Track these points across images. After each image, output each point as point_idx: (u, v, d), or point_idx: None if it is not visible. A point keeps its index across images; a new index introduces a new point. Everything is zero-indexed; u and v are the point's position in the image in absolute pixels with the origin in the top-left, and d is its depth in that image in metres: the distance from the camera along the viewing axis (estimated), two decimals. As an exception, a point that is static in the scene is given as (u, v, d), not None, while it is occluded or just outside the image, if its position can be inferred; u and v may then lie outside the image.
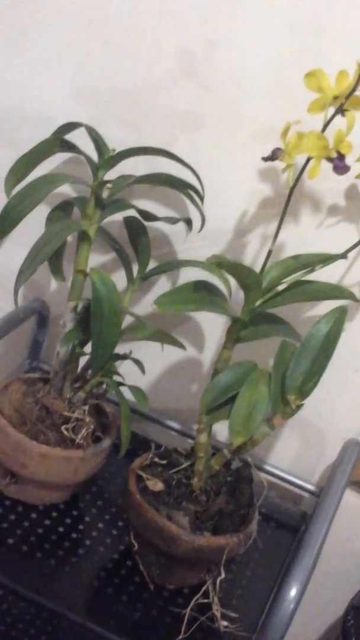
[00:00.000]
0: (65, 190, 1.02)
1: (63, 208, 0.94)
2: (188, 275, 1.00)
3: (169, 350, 0.94)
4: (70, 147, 0.89)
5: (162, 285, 1.03)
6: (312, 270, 0.85)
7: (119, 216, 0.93)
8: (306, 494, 1.05)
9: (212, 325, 1.03)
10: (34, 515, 0.93)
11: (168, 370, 1.08)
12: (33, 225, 0.87)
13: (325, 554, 0.82)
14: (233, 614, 0.85)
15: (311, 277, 0.85)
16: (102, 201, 0.87)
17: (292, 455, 1.06)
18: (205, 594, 0.85)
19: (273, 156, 0.80)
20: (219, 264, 0.81)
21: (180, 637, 0.83)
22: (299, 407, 0.82)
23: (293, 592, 0.76)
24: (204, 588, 0.86)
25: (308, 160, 0.78)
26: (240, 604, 0.89)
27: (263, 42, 0.88)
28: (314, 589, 0.93)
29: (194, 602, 0.84)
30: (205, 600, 0.85)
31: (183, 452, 0.92)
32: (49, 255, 0.81)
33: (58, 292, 1.09)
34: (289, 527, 1.03)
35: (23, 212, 0.82)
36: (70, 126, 0.92)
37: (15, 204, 0.82)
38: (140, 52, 0.93)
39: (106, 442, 0.93)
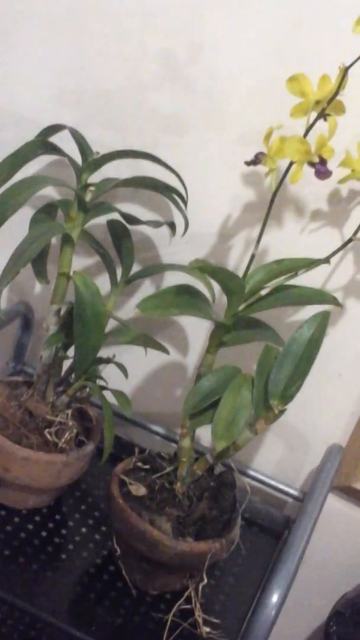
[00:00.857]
0: (49, 192, 1.01)
1: (47, 210, 0.94)
2: (172, 279, 1.00)
3: (152, 355, 0.94)
4: (55, 150, 0.89)
5: (146, 289, 1.03)
6: (295, 275, 0.85)
7: (102, 219, 0.93)
8: (289, 499, 1.05)
9: (196, 330, 1.02)
10: (16, 520, 0.92)
11: (152, 374, 1.07)
12: (16, 227, 0.86)
13: (308, 559, 0.83)
14: (215, 620, 0.85)
15: (294, 281, 0.85)
16: (86, 204, 0.87)
17: (276, 460, 1.05)
18: (188, 600, 0.85)
19: (256, 160, 0.80)
20: (201, 268, 0.81)
21: (162, 643, 0.82)
22: (281, 412, 0.82)
23: (275, 597, 0.76)
24: (186, 594, 0.85)
25: (290, 164, 0.78)
26: (223, 609, 0.89)
27: (246, 46, 0.88)
28: (297, 594, 0.93)
29: (177, 608, 0.84)
30: (188, 606, 0.85)
31: (166, 456, 0.92)
32: (32, 257, 0.81)
33: (42, 295, 1.09)
34: (273, 532, 1.03)
35: (6, 214, 0.81)
36: (55, 128, 0.92)
37: (-1, 205, 0.81)
38: (124, 54, 0.93)
39: (89, 447, 0.92)
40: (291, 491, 1.04)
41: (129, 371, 0.92)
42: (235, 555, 0.90)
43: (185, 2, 0.88)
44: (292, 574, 0.78)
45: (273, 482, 1.04)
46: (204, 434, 1.03)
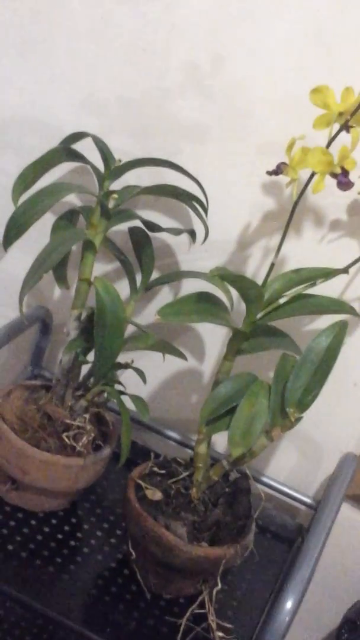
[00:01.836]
0: (71, 199, 1.02)
1: (68, 217, 0.95)
2: (190, 285, 1.01)
3: (169, 360, 0.95)
4: (78, 157, 0.90)
5: (165, 295, 1.04)
6: (314, 284, 0.86)
7: (123, 226, 0.94)
8: (303, 507, 1.06)
9: (213, 337, 1.03)
10: (33, 522, 0.93)
11: (168, 380, 1.08)
12: (38, 233, 0.87)
13: (320, 567, 0.83)
14: (229, 625, 0.86)
15: (312, 290, 0.86)
16: (108, 211, 0.88)
17: (290, 468, 1.06)
18: (201, 605, 0.86)
19: (278, 170, 0.81)
20: (222, 276, 0.82)
21: (176, 646, 0.83)
22: (298, 419, 0.83)
23: (289, 604, 0.76)
24: (200, 598, 0.86)
25: (312, 175, 0.79)
26: (236, 615, 0.90)
27: (269, 58, 0.89)
28: (309, 601, 0.94)
29: (190, 612, 0.85)
30: (201, 611, 0.85)
31: (182, 462, 0.93)
32: (55, 263, 0.82)
33: (61, 300, 1.10)
34: (285, 539, 1.03)
35: (30, 220, 0.82)
36: (78, 136, 0.93)
37: (23, 212, 0.82)
38: (148, 64, 0.94)
39: (106, 451, 0.93)
40: (304, 499, 1.04)
41: (146, 376, 0.93)
42: (248, 561, 0.91)
43: (210, 14, 0.89)
44: (307, 581, 0.78)
45: (286, 490, 1.05)
46: (219, 440, 1.04)
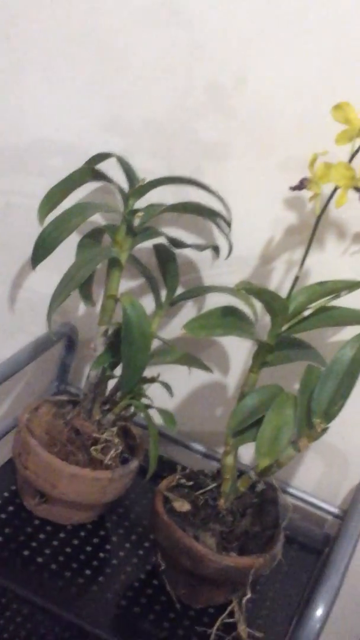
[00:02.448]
0: (94, 217, 1.04)
1: (93, 235, 0.97)
2: (213, 300, 1.02)
3: (194, 374, 0.96)
4: (102, 177, 0.92)
5: (189, 310, 1.05)
6: (338, 296, 0.87)
7: (148, 243, 0.96)
8: (329, 517, 1.06)
9: (238, 350, 1.05)
10: (62, 535, 0.95)
11: (194, 393, 1.10)
12: (63, 252, 0.89)
13: (348, 575, 0.84)
14: (258, 634, 0.87)
15: (336, 302, 0.88)
16: (134, 229, 0.90)
17: (316, 478, 1.07)
18: (231, 614, 0.87)
19: (301, 185, 0.83)
20: (247, 289, 0.83)
21: (207, 656, 0.84)
22: (324, 430, 0.84)
23: (319, 611, 0.77)
24: (229, 608, 0.87)
25: (335, 189, 0.81)
26: (266, 623, 0.90)
27: (291, 76, 0.91)
28: (334, 611, 0.94)
29: (220, 622, 0.86)
30: (231, 620, 0.86)
31: (209, 473, 0.94)
32: (82, 281, 0.84)
33: (86, 317, 1.12)
34: (312, 549, 1.04)
35: (58, 240, 0.85)
36: (102, 156, 0.95)
37: (51, 231, 0.85)
38: (170, 84, 0.96)
39: (134, 464, 0.95)
40: (331, 509, 1.05)
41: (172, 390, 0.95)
42: (277, 571, 0.91)
43: (231, 34, 0.91)
44: (337, 588, 0.79)
45: (313, 500, 1.06)
46: (245, 452, 1.05)
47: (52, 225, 0.85)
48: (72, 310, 1.12)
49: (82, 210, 0.87)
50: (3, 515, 0.95)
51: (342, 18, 0.87)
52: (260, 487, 0.92)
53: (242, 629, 0.85)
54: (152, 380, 0.93)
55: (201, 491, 0.91)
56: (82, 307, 1.12)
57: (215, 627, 0.85)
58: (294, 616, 0.93)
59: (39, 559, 0.90)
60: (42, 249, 0.86)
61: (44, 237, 0.85)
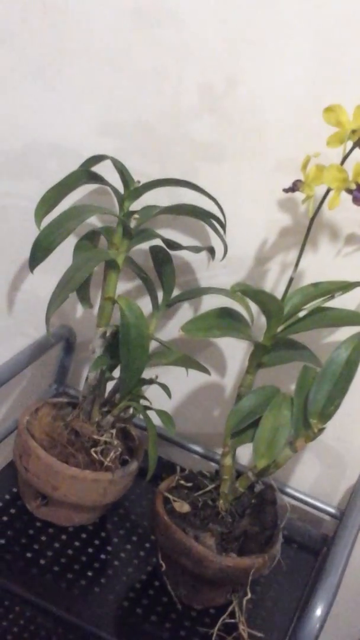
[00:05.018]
0: (91, 219, 1.04)
1: (90, 237, 0.97)
2: (210, 301, 1.03)
3: (192, 375, 0.97)
4: (98, 179, 0.93)
5: (185, 311, 1.06)
6: (332, 297, 0.88)
7: (144, 245, 0.96)
8: (327, 517, 1.07)
9: (234, 351, 1.05)
10: (64, 537, 0.95)
11: (191, 394, 1.10)
12: (61, 254, 0.90)
13: (346, 575, 0.84)
14: (259, 634, 0.87)
15: (331, 303, 0.88)
16: (130, 231, 0.90)
17: (314, 478, 1.08)
18: (232, 614, 0.87)
19: (294, 187, 0.84)
20: (243, 291, 0.84)
21: (208, 656, 0.85)
22: (320, 430, 0.85)
23: (319, 611, 0.77)
24: (230, 608, 0.88)
25: (328, 191, 0.81)
26: (266, 623, 0.91)
27: (283, 77, 0.91)
28: (333, 611, 0.95)
29: (221, 622, 0.86)
30: (232, 620, 0.87)
31: (208, 474, 0.94)
32: (80, 283, 0.84)
33: (83, 319, 1.12)
34: (310, 549, 1.04)
35: (54, 243, 0.85)
36: (97, 158, 0.96)
37: (47, 234, 0.85)
38: (163, 86, 0.96)
39: (133, 465, 0.95)
40: (329, 509, 1.06)
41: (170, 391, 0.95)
42: (276, 571, 0.92)
43: (222, 37, 0.91)
44: (336, 588, 0.80)
45: (310, 500, 1.07)
46: (243, 452, 1.06)
47: (48, 229, 0.85)
48: (70, 312, 1.13)
49: (78, 213, 0.87)
50: (5, 518, 0.95)
51: (334, 20, 0.87)
52: (258, 487, 0.92)
53: (243, 630, 0.86)
54: (151, 381, 0.94)
55: (200, 492, 0.92)
56: (80, 310, 1.12)
57: (216, 628, 0.86)
58: (294, 616, 0.93)
59: (41, 561, 0.91)
60: (40, 252, 0.86)
61: (41, 240, 0.85)
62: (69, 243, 0.94)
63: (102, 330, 0.92)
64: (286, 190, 0.84)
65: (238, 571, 0.85)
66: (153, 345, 0.99)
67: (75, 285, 0.84)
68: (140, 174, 0.94)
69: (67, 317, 1.13)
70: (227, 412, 0.88)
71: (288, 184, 0.85)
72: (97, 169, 0.94)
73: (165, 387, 0.94)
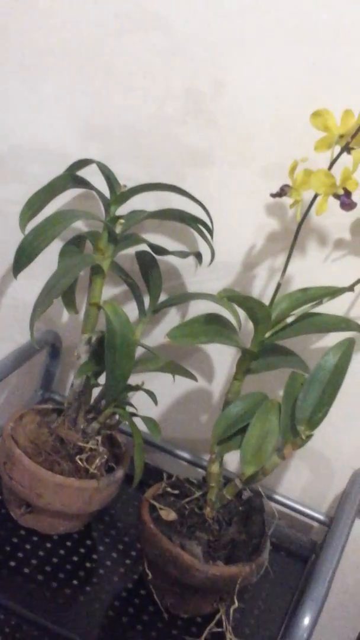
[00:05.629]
0: (76, 224, 1.04)
1: (75, 242, 0.96)
2: (197, 307, 1.02)
3: (179, 382, 0.96)
4: (84, 183, 0.92)
5: (172, 317, 1.05)
6: (320, 303, 0.87)
7: (130, 250, 0.96)
8: (315, 524, 1.06)
9: (222, 357, 1.05)
10: (48, 545, 0.94)
11: (178, 401, 1.09)
12: (45, 259, 0.89)
13: (333, 584, 0.83)
14: (246, 643, 0.86)
15: (319, 309, 0.87)
16: (116, 236, 0.89)
17: (302, 485, 1.07)
18: (219, 623, 0.86)
19: (281, 192, 0.83)
20: (230, 297, 0.83)
21: (195, 666, 0.84)
22: (308, 437, 0.84)
23: (306, 620, 0.77)
24: (217, 617, 0.86)
25: (315, 196, 0.81)
26: (253, 632, 0.90)
27: (269, 82, 0.90)
28: (323, 619, 0.94)
29: (208, 631, 0.85)
30: (219, 629, 0.86)
31: (195, 482, 0.93)
32: (65, 289, 0.83)
33: (69, 324, 1.11)
34: (299, 556, 1.04)
35: (38, 248, 0.84)
36: (83, 163, 0.95)
37: (31, 240, 0.84)
38: (149, 91, 0.95)
39: (119, 472, 0.94)
40: (317, 515, 1.05)
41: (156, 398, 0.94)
42: (264, 579, 0.91)
43: (209, 42, 0.91)
44: (323, 597, 0.79)
45: (299, 507, 1.06)
46: (231, 459, 1.05)
47: (32, 234, 0.84)
48: (56, 318, 1.12)
49: (62, 218, 0.86)
50: (-12, 526, 0.94)
51: (321, 25, 0.86)
52: (246, 495, 0.92)
53: (230, 638, 0.85)
54: (137, 388, 0.93)
55: (187, 499, 0.91)
56: (66, 315, 1.12)
57: (203, 637, 0.85)
58: (282, 624, 0.92)
59: (25, 570, 0.90)
60: (23, 258, 0.85)
61: (25, 245, 0.84)
62: (55, 248, 0.94)
63: (88, 336, 0.91)
64: (274, 195, 0.83)
65: (225, 580, 0.84)
66: (139, 351, 0.98)
67: (60, 290, 0.83)
68: (127, 179, 0.94)
69: (53, 322, 1.12)
70: (215, 418, 0.87)
71: (276, 189, 0.84)
72: (83, 173, 0.93)
73: (151, 394, 0.93)
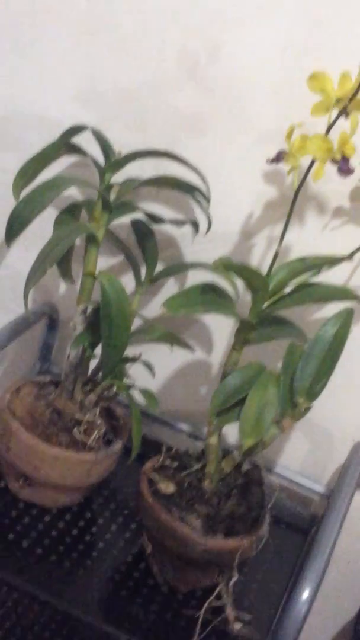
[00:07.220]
0: (72, 193, 1.02)
1: (70, 211, 0.95)
2: (195, 277, 1.00)
3: (177, 353, 0.95)
4: (77, 150, 0.90)
5: (170, 287, 1.03)
6: (318, 272, 0.85)
7: (126, 219, 0.94)
8: (316, 496, 1.05)
9: (220, 328, 1.03)
10: (47, 518, 0.93)
11: (176, 372, 1.08)
12: (40, 229, 0.87)
13: (334, 557, 0.82)
14: (246, 616, 0.86)
15: (317, 279, 0.86)
16: (110, 204, 0.87)
17: (302, 458, 1.06)
18: (219, 596, 0.85)
19: (278, 158, 0.81)
20: (226, 266, 0.81)
21: (194, 639, 0.83)
22: (307, 409, 0.83)
23: (306, 594, 0.76)
24: (217, 590, 0.86)
25: (312, 162, 0.78)
26: (254, 605, 0.90)
27: (266, 45, 0.88)
28: (325, 592, 0.94)
29: (208, 604, 0.84)
30: (219, 603, 0.85)
31: (194, 454, 0.92)
32: (58, 258, 0.82)
33: (67, 295, 1.10)
34: (299, 529, 1.03)
35: (31, 216, 0.82)
36: (77, 129, 0.92)
37: (24, 206, 0.82)
38: (144, 55, 0.93)
39: (118, 445, 0.93)
40: (317, 488, 1.04)
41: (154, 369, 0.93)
42: (264, 552, 0.90)
43: (205, 3, 0.88)
44: (322, 571, 0.78)
45: (299, 479, 1.05)
46: (230, 431, 1.04)
47: (24, 201, 0.82)
48: (53, 289, 1.10)
49: (55, 184, 0.84)
50: (-14, 500, 0.94)
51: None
52: (245, 467, 0.91)
53: (230, 612, 0.84)
54: (134, 359, 0.92)
55: (186, 472, 0.90)
56: (63, 287, 1.10)
57: (202, 610, 0.84)
58: (282, 597, 0.92)
59: (25, 543, 0.89)
60: (16, 226, 0.83)
61: (17, 213, 0.82)
62: (50, 217, 0.92)
63: (83, 306, 0.90)
64: (270, 161, 0.81)
65: (224, 553, 0.83)
66: (137, 322, 0.97)
67: (54, 259, 0.81)
68: (122, 145, 0.92)
69: (50, 293, 1.11)
70: (214, 390, 0.86)
71: (273, 155, 0.82)
72: (77, 140, 0.91)
73: (149, 365, 0.91)
